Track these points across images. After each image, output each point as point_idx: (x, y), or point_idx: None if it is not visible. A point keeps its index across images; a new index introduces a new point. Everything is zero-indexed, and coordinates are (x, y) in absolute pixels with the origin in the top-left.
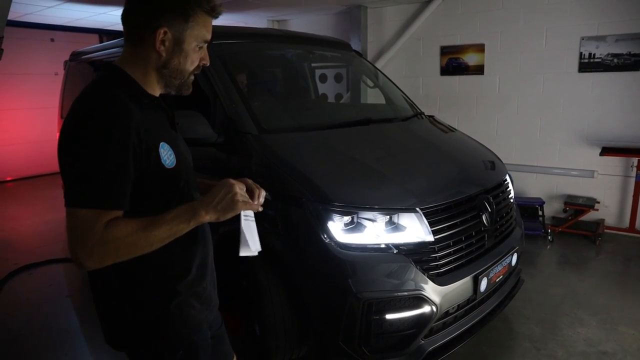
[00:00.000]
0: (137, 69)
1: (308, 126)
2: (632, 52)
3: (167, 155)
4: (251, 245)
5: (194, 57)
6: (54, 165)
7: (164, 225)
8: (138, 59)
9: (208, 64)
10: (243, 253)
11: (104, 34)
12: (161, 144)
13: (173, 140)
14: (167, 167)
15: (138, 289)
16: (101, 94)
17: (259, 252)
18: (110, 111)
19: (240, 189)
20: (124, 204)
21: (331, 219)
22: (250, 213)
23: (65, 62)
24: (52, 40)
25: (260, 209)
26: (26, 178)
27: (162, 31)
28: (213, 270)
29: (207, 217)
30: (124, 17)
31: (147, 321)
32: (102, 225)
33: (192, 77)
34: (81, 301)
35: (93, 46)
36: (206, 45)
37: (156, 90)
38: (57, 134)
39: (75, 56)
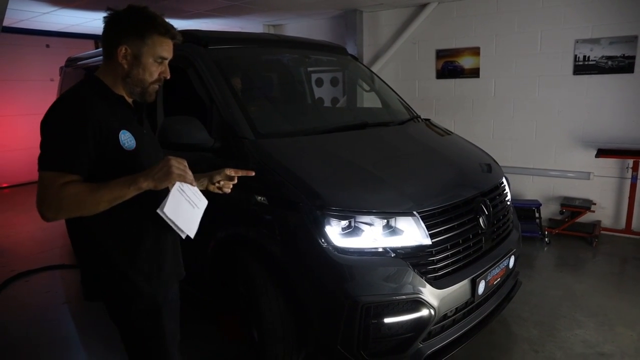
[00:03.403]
0: (108, 77)
1: (305, 131)
2: (625, 55)
3: (126, 139)
4: (168, 211)
5: (153, 70)
6: None
7: (107, 188)
8: (109, 69)
9: (168, 77)
10: (159, 211)
11: (99, 39)
12: (122, 130)
13: (136, 130)
14: (125, 149)
15: (97, 246)
16: (71, 91)
17: (188, 238)
18: (73, 100)
19: (178, 162)
20: (79, 170)
21: (328, 223)
22: (189, 190)
23: (61, 68)
24: (48, 46)
25: (212, 188)
26: (23, 184)
27: (123, 48)
28: (176, 247)
29: (145, 184)
30: (102, 37)
31: (108, 277)
32: (58, 184)
33: (154, 87)
34: (78, 308)
35: (88, 52)
36: (166, 61)
37: (123, 94)
38: None
39: (71, 62)
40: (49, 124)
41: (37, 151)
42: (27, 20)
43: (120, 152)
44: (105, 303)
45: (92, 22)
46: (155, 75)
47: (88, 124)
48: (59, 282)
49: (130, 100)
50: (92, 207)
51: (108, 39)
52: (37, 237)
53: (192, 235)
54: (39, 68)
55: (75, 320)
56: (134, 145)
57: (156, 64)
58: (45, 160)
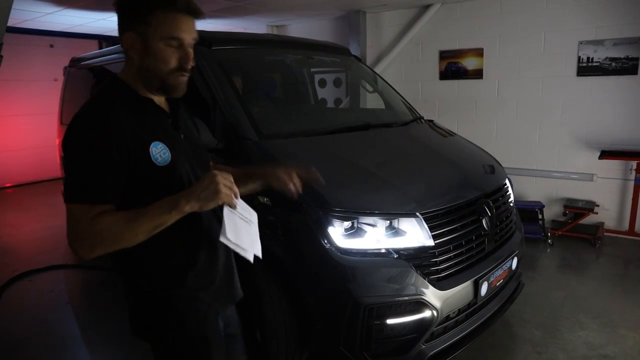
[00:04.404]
0: (129, 76)
1: (308, 132)
2: (629, 56)
3: (159, 153)
4: (230, 235)
5: (167, 57)
6: (54, 171)
7: (145, 216)
8: (127, 65)
9: (190, 64)
10: (222, 238)
11: (103, 39)
12: (153, 143)
13: (171, 139)
14: (158, 164)
15: (143, 280)
16: (91, 102)
17: (256, 259)
18: (95, 114)
19: (224, 178)
20: (109, 198)
21: (331, 224)
22: (238, 206)
23: (65, 68)
24: (52, 46)
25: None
26: (26, 184)
27: (127, 35)
28: (229, 265)
29: (188, 207)
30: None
31: (155, 312)
32: (89, 218)
33: (177, 77)
34: (82, 308)
35: (92, 52)
36: (184, 43)
37: (152, 96)
38: (57, 140)
39: (75, 62)
40: (70, 147)
41: (41, 151)
42: (31, 21)
43: (153, 170)
44: (151, 336)
45: (97, 22)
46: (173, 62)
47: (113, 142)
48: (62, 282)
49: (160, 100)
50: (130, 239)
51: (118, 30)
52: (41, 237)
53: (259, 254)
54: (42, 68)
55: (79, 321)
56: (169, 159)
57: (170, 48)
58: (72, 191)
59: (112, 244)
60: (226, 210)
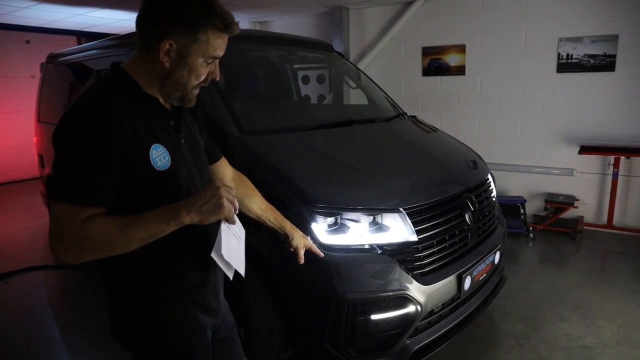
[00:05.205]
0: (141, 74)
1: (290, 127)
2: (607, 53)
3: (159, 157)
4: (224, 252)
5: (200, 72)
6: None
7: (141, 224)
8: (144, 65)
9: (217, 79)
10: (213, 255)
11: (81, 35)
12: (154, 145)
13: (172, 143)
14: (157, 169)
15: (128, 290)
16: (91, 93)
17: (238, 277)
18: (95, 106)
19: (227, 192)
20: (102, 201)
21: (314, 221)
22: (234, 226)
23: (42, 64)
24: (28, 42)
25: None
26: (3, 184)
27: (167, 43)
28: (217, 278)
29: (188, 219)
30: (137, 22)
31: (140, 322)
32: (78, 221)
33: (196, 91)
34: (61, 309)
35: (71, 48)
36: (217, 61)
37: (158, 95)
38: (35, 139)
39: (52, 58)
40: (63, 139)
41: (18, 149)
42: (5, 15)
43: (151, 174)
44: (132, 345)
45: (74, 17)
46: (203, 78)
47: (113, 138)
48: (41, 284)
49: (164, 100)
50: (121, 247)
51: (147, 28)
52: (18, 237)
53: (242, 273)
54: (19, 65)
55: (59, 322)
56: (169, 164)
57: (205, 64)
58: (60, 189)
59: (101, 250)
60: (223, 226)
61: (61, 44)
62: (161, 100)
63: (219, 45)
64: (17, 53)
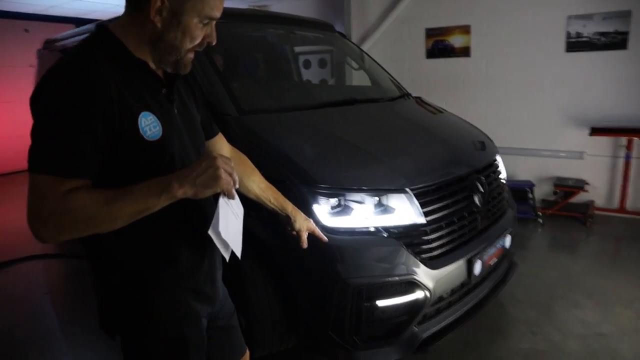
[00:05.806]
0: (130, 36)
1: (290, 107)
2: (619, 30)
3: (148, 125)
4: (222, 229)
5: (196, 34)
6: None
7: (129, 198)
8: (133, 26)
9: (214, 43)
10: (210, 232)
11: (80, 23)
12: (143, 112)
13: (164, 112)
14: (146, 138)
15: (114, 273)
16: (75, 53)
17: (234, 258)
18: (76, 67)
19: (225, 163)
20: (86, 171)
21: (317, 202)
22: (233, 202)
23: (39, 50)
24: (26, 30)
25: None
26: (1, 175)
27: (159, 0)
28: (213, 261)
29: (181, 192)
30: None
31: (128, 309)
32: (59, 194)
33: (191, 55)
34: (61, 298)
35: (67, 32)
36: (213, 22)
37: (148, 60)
38: None
39: (49, 44)
40: (42, 105)
41: (16, 140)
42: (3, 1)
43: (140, 144)
44: (120, 333)
45: (72, 2)
46: (198, 40)
47: (97, 103)
48: (40, 273)
49: (155, 66)
50: (107, 223)
51: None
52: (17, 227)
53: (239, 254)
54: (17, 54)
55: (57, 311)
56: (160, 134)
57: (201, 25)
58: (39, 158)
59: (85, 227)
60: (222, 201)
61: (60, 32)
62: (152, 65)
63: (215, 4)
64: (15, 42)
